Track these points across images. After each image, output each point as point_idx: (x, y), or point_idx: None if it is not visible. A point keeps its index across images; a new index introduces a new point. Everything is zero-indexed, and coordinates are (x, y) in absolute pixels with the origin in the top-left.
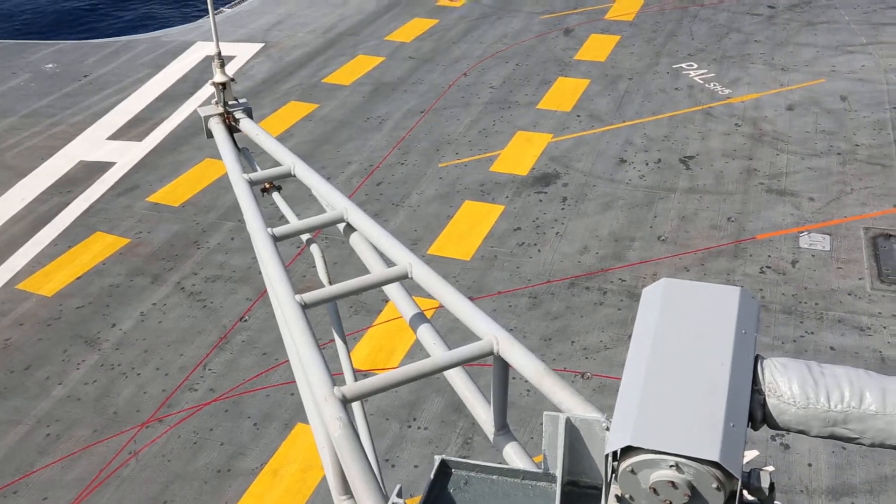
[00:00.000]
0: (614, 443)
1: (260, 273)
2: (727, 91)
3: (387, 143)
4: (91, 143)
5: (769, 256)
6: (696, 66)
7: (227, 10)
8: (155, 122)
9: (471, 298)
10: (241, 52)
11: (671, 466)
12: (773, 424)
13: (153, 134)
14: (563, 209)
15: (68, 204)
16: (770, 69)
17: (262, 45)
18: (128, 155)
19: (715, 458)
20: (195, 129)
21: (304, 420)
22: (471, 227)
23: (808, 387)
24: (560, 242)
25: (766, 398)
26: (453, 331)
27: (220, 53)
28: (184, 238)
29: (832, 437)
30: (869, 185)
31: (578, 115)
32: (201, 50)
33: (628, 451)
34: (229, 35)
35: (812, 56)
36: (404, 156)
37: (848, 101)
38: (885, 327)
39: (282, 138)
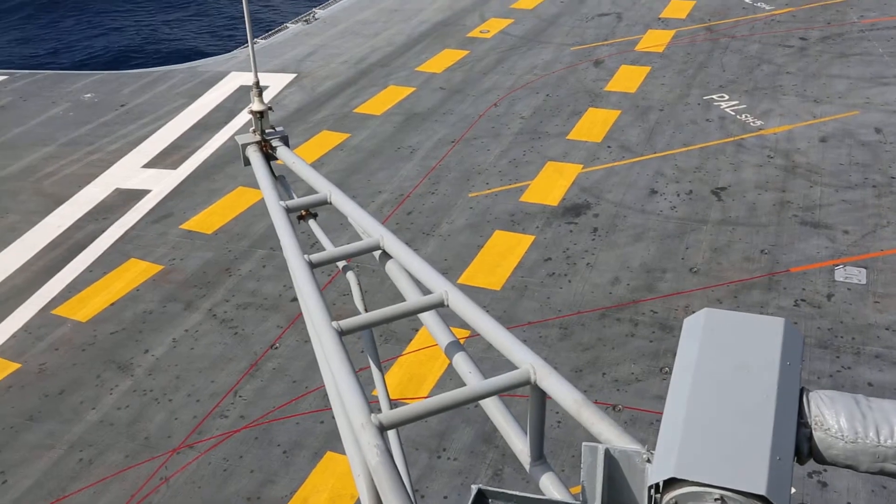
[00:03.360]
0: (657, 474)
1: (291, 300)
2: (759, 122)
3: (417, 172)
4: (127, 171)
5: (804, 290)
6: (727, 97)
7: (260, 41)
8: (189, 150)
9: None
10: (275, 82)
11: (716, 500)
12: (821, 459)
13: (187, 162)
14: (593, 240)
15: (104, 231)
16: (802, 101)
17: (294, 75)
18: (162, 183)
19: (762, 491)
20: (229, 158)
21: (335, 449)
22: (501, 257)
23: (856, 421)
24: (591, 273)
25: (813, 431)
26: (483, 360)
27: (258, 83)
28: (216, 265)
29: (882, 472)
30: None
31: (609, 146)
32: (236, 80)
33: (671, 483)
34: (263, 65)
35: (845, 88)
36: (434, 185)
37: (883, 134)
38: None
39: (314, 167)
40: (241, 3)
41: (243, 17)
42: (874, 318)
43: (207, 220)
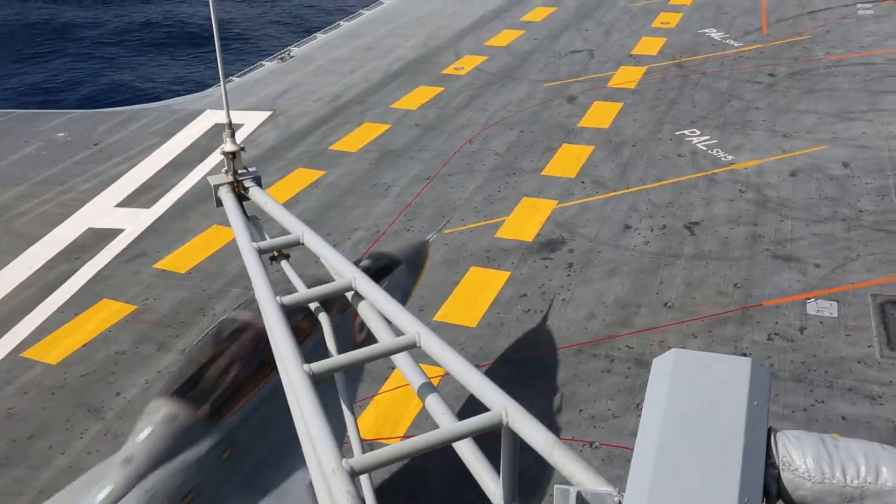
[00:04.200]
0: None
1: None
2: (730, 157)
3: (393, 209)
4: (100, 210)
5: (777, 323)
6: (698, 132)
7: (235, 79)
8: (163, 189)
9: (477, 365)
10: (250, 120)
11: None
12: (788, 499)
13: (161, 201)
14: (568, 275)
15: (76, 271)
16: (772, 136)
17: (269, 112)
18: (136, 222)
19: None
20: (203, 196)
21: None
22: (477, 293)
23: (822, 461)
24: (566, 309)
25: (781, 472)
26: (458, 398)
27: (230, 123)
28: (190, 305)
29: None
30: (874, 252)
31: (583, 182)
32: (210, 118)
33: None
34: (238, 103)
35: (813, 123)
36: (410, 222)
37: (850, 168)
38: None
39: (289, 205)
40: (215, 42)
41: (219, 55)
42: (846, 352)
43: (181, 259)
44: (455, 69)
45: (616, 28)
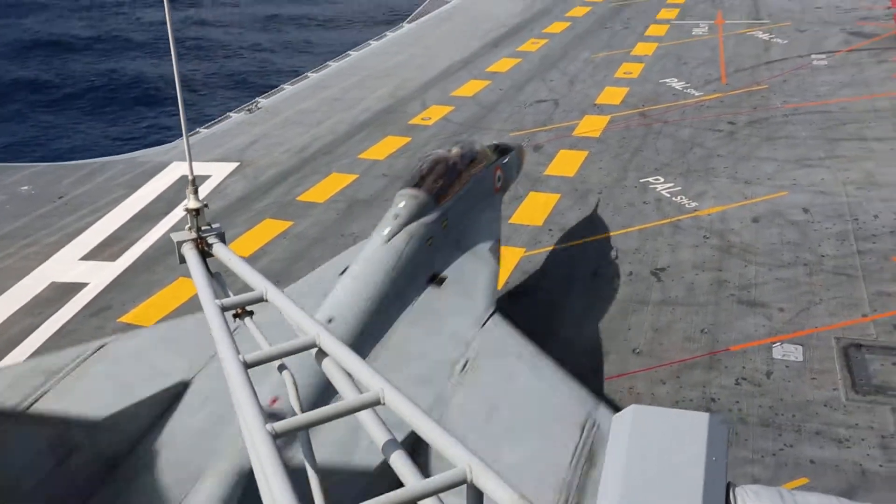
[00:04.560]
0: None
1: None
2: (694, 204)
3: None
4: (64, 264)
5: (744, 367)
6: (662, 179)
7: (203, 131)
8: (129, 241)
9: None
10: (217, 172)
11: None
12: None
13: (127, 254)
14: (536, 323)
15: (39, 325)
16: (734, 182)
17: (237, 164)
18: (101, 275)
19: None
20: (168, 249)
21: None
22: None
23: None
24: None
25: None
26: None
27: (193, 180)
28: None
29: None
30: (837, 296)
31: (550, 229)
32: (177, 170)
33: None
34: (205, 155)
35: (773, 170)
36: None
37: (810, 213)
38: (863, 439)
39: (256, 256)
40: (178, 96)
41: (189, 106)
42: (812, 395)
43: (146, 312)
44: (422, 119)
45: (580, 78)
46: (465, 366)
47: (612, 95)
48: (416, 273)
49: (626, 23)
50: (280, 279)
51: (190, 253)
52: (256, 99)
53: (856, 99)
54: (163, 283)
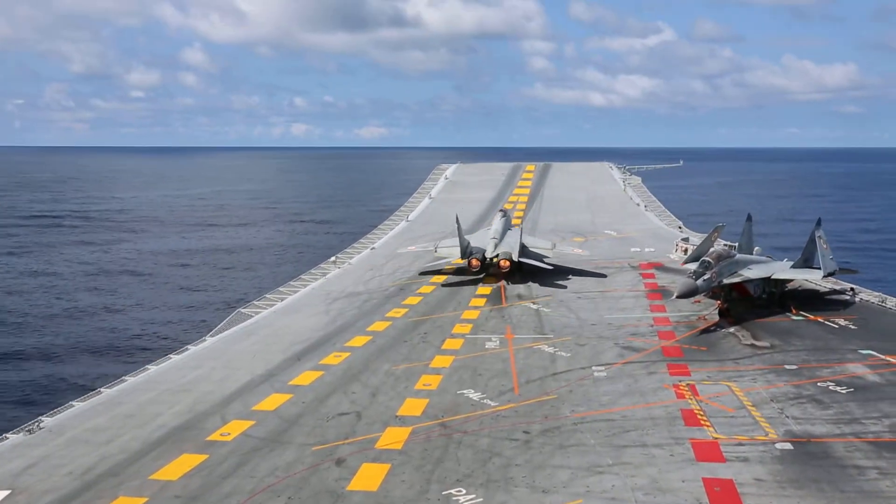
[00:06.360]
0: None
1: None
2: None
3: None
4: None
5: None
6: (464, 491)
7: None
8: None
9: None
10: None
11: None
12: None
13: None
14: None
15: None
16: (532, 492)
17: (7, 492)
18: None
19: None
20: None
21: None
22: None
23: None
24: None
25: None
26: None
27: None
28: None
29: None
30: None
31: None
32: None
33: None
34: None
35: (567, 477)
36: None
37: None
38: None
39: None
40: None
41: None
42: None
43: None
44: (221, 435)
45: (381, 390)
46: None
47: (413, 407)
48: None
49: (424, 336)
50: None
51: None
52: (40, 417)
53: (634, 407)
54: None
